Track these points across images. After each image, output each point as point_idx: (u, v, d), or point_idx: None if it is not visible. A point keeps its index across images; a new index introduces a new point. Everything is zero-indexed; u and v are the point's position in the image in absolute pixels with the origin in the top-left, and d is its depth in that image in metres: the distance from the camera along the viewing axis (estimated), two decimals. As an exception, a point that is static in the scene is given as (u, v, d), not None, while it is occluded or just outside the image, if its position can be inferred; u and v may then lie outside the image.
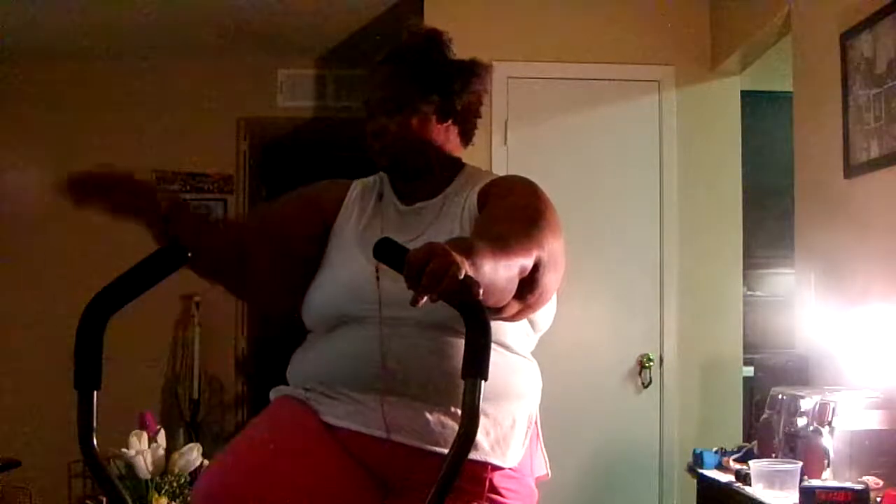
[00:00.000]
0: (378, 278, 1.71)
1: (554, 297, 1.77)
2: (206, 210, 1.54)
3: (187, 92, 5.51)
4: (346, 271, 1.79)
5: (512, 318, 1.67)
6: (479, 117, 1.93)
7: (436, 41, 1.87)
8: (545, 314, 1.80)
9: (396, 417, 1.68)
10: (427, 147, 1.85)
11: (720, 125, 4.41)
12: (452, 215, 1.81)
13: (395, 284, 1.62)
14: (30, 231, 5.33)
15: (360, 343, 1.71)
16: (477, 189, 1.82)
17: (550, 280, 1.64)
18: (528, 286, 1.58)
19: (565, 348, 4.03)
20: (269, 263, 1.84)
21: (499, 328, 1.61)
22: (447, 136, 1.87)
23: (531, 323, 1.78)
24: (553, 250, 1.62)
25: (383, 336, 1.69)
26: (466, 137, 1.92)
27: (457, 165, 1.91)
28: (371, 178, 1.97)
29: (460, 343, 1.56)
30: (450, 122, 1.87)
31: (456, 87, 1.85)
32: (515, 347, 1.77)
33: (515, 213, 1.67)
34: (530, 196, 1.75)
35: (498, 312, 1.59)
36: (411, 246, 1.35)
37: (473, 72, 1.87)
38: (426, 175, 1.87)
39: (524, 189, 1.79)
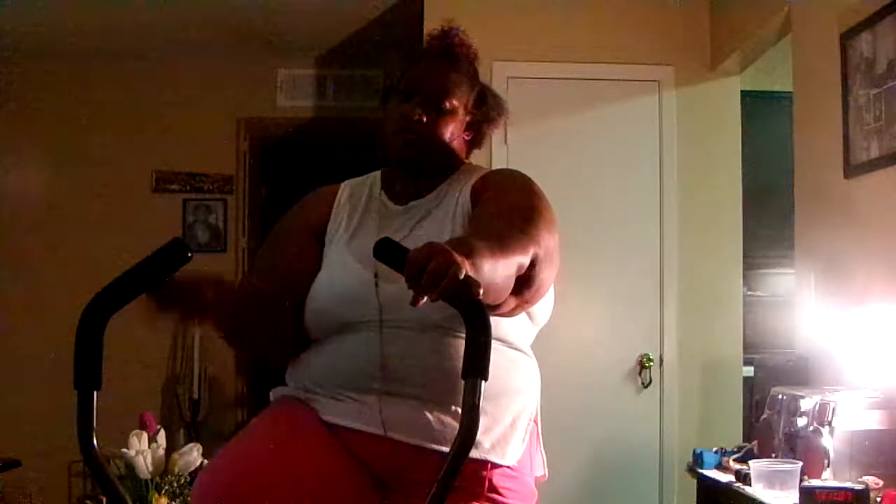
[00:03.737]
0: (377, 286, 1.70)
1: (551, 290, 1.78)
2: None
3: (187, 92, 5.50)
4: (339, 276, 1.78)
5: (508, 314, 1.68)
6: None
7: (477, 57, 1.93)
8: (543, 307, 1.80)
9: (395, 415, 1.68)
10: (450, 149, 1.86)
11: (720, 125, 4.40)
12: (445, 212, 1.80)
13: (391, 286, 1.62)
14: (30, 231, 5.33)
15: (359, 346, 1.71)
16: (470, 184, 1.82)
17: (546, 276, 1.65)
18: (524, 283, 1.59)
19: (565, 348, 4.03)
20: (292, 318, 1.82)
21: (497, 322, 1.61)
22: (464, 145, 1.90)
23: (529, 315, 1.78)
24: (548, 246, 1.63)
25: (382, 338, 1.69)
26: (471, 150, 1.95)
27: (456, 167, 1.91)
28: (361, 178, 1.95)
29: (458, 343, 1.56)
30: (476, 133, 1.91)
31: (491, 103, 1.91)
32: (514, 342, 1.76)
33: (512, 210, 1.67)
34: (525, 191, 1.76)
35: (494, 309, 1.58)
36: (405, 244, 1.35)
37: (501, 98, 1.96)
38: (430, 175, 1.86)
39: (518, 183, 1.79)
